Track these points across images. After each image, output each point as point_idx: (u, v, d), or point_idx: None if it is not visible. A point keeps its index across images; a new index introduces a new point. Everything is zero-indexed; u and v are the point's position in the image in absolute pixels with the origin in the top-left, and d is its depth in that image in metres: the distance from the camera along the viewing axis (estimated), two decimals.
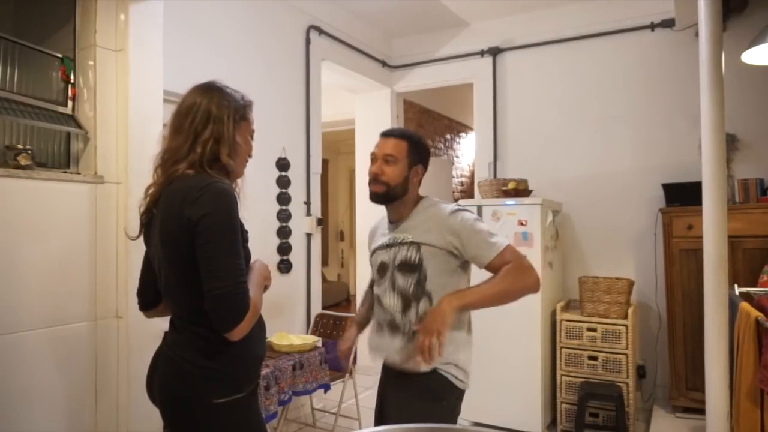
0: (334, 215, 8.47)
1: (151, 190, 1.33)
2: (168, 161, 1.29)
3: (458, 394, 1.55)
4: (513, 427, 3.21)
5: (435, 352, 1.35)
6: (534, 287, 1.49)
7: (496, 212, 3.38)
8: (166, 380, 1.30)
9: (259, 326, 1.37)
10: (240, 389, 1.28)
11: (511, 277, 1.46)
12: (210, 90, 1.33)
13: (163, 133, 1.36)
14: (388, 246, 1.63)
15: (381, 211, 1.72)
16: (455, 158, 5.73)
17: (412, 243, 1.57)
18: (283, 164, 3.37)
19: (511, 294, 1.48)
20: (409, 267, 1.56)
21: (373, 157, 1.63)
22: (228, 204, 1.22)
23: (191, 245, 1.20)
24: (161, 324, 1.90)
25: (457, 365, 1.54)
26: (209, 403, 1.24)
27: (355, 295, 6.20)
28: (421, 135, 1.72)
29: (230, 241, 1.20)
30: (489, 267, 1.51)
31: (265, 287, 1.41)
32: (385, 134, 1.65)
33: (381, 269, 1.65)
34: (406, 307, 1.56)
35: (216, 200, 1.20)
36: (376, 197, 1.62)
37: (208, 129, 1.28)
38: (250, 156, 1.44)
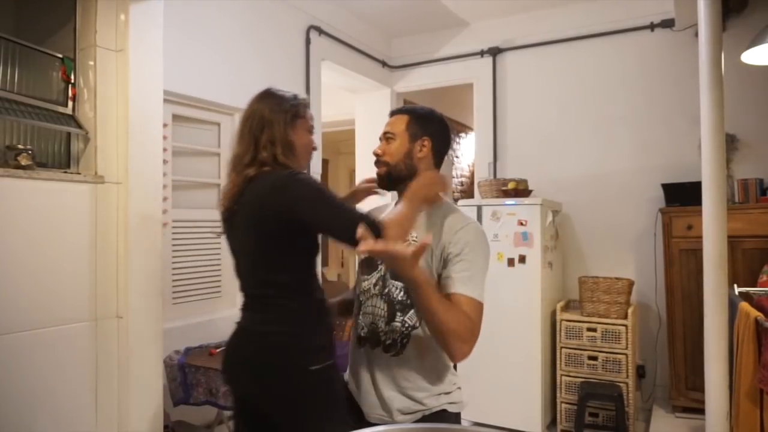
0: None
1: (227, 190, 1.43)
2: (237, 166, 1.42)
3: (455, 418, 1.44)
4: (513, 427, 3.21)
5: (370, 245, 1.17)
6: (455, 349, 1.26)
7: (496, 212, 3.38)
8: (260, 354, 1.37)
9: (326, 302, 1.48)
10: (330, 356, 1.39)
11: (455, 328, 1.24)
12: (264, 97, 1.48)
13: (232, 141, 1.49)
14: None
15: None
16: (455, 158, 5.73)
17: (409, 244, 1.38)
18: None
19: (435, 323, 1.26)
20: None
21: (380, 140, 1.52)
22: (310, 177, 1.38)
23: (286, 227, 1.32)
24: (161, 324, 1.90)
25: (448, 393, 1.42)
26: (306, 370, 1.33)
27: None
28: (433, 109, 1.53)
29: (329, 198, 1.33)
30: (450, 297, 1.30)
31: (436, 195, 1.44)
32: (390, 113, 1.55)
33: (368, 265, 1.48)
34: (391, 316, 1.39)
35: (301, 180, 1.34)
36: (380, 179, 1.50)
37: (265, 133, 1.41)
38: (311, 150, 1.53)
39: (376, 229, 1.27)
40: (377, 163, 1.49)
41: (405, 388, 1.38)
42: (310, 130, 1.51)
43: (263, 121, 1.41)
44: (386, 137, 1.49)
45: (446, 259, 1.35)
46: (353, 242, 1.27)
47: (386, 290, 1.42)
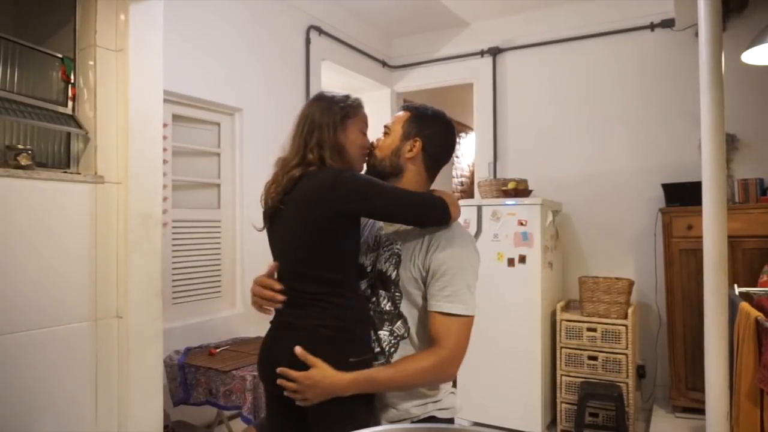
0: None
1: (272, 188, 1.43)
2: (285, 167, 1.43)
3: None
4: (513, 427, 3.21)
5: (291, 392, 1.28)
6: (441, 381, 1.36)
7: (496, 212, 3.38)
8: (304, 345, 1.34)
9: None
10: (371, 350, 1.38)
11: (429, 375, 1.30)
12: (316, 100, 1.49)
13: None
14: (373, 248, 1.46)
15: None
16: (455, 158, 5.73)
17: (394, 254, 1.39)
18: None
19: (410, 387, 1.34)
20: (385, 281, 1.39)
21: None
22: (356, 173, 1.41)
23: (337, 225, 1.33)
24: (161, 324, 1.90)
25: (437, 401, 1.40)
26: (346, 362, 1.32)
27: None
28: (442, 113, 1.50)
29: (382, 187, 1.36)
30: (431, 316, 1.31)
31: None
32: (401, 107, 1.53)
33: (358, 271, 1.45)
34: (378, 325, 1.39)
35: (349, 177, 1.35)
36: (366, 171, 1.48)
37: (314, 137, 1.41)
38: (365, 149, 1.50)
39: (443, 204, 1.36)
40: (368, 154, 1.48)
41: (391, 397, 1.37)
42: (363, 130, 1.50)
43: (313, 124, 1.42)
44: (384, 131, 1.49)
45: (428, 271, 1.33)
46: (427, 223, 1.39)
47: (374, 299, 1.41)
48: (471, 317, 1.31)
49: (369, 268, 1.44)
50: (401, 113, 1.49)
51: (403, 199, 1.36)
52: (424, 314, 1.36)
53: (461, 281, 1.30)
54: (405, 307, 1.37)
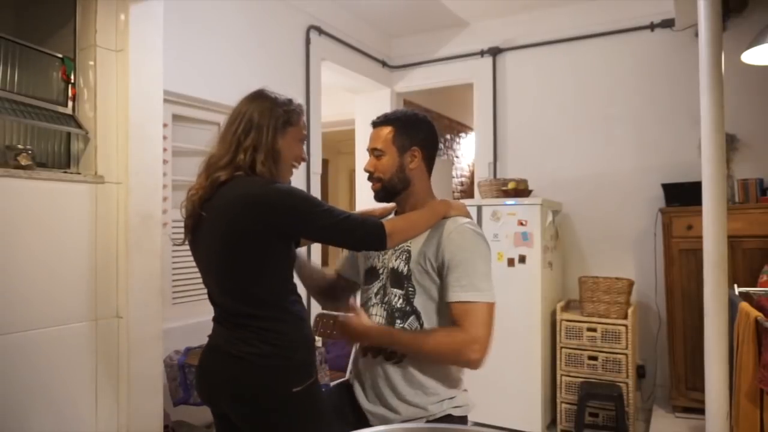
0: None
1: (192, 193, 1.34)
2: (210, 167, 1.33)
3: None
4: (513, 427, 3.21)
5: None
6: (464, 364, 1.38)
7: (496, 212, 3.38)
8: (238, 379, 1.30)
9: (304, 312, 1.42)
10: (312, 373, 1.34)
11: (444, 351, 1.32)
12: (255, 98, 1.37)
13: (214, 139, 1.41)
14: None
15: None
16: (455, 158, 5.72)
17: (404, 251, 1.42)
18: None
19: (427, 358, 1.36)
20: (398, 278, 1.41)
21: (369, 154, 1.51)
22: (291, 187, 1.31)
23: (264, 240, 1.26)
24: (161, 324, 1.90)
25: (452, 398, 1.43)
26: (288, 393, 1.27)
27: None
28: (416, 112, 1.51)
29: (317, 205, 1.28)
30: (450, 307, 1.34)
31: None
32: (372, 124, 1.51)
33: (370, 274, 1.50)
34: (391, 324, 1.41)
35: (286, 192, 1.27)
36: (377, 196, 1.49)
37: (249, 137, 1.31)
38: (298, 161, 1.43)
39: (381, 231, 1.29)
40: (370, 179, 1.47)
41: (407, 395, 1.38)
42: (301, 140, 1.42)
43: (250, 124, 1.31)
44: (374, 153, 1.46)
45: (442, 264, 1.36)
46: (360, 246, 1.35)
47: (386, 298, 1.43)
48: (489, 303, 1.33)
49: (381, 270, 1.46)
50: (380, 129, 1.47)
51: (346, 222, 1.28)
52: (440, 305, 1.39)
53: (474, 270, 1.33)
54: (419, 302, 1.39)
